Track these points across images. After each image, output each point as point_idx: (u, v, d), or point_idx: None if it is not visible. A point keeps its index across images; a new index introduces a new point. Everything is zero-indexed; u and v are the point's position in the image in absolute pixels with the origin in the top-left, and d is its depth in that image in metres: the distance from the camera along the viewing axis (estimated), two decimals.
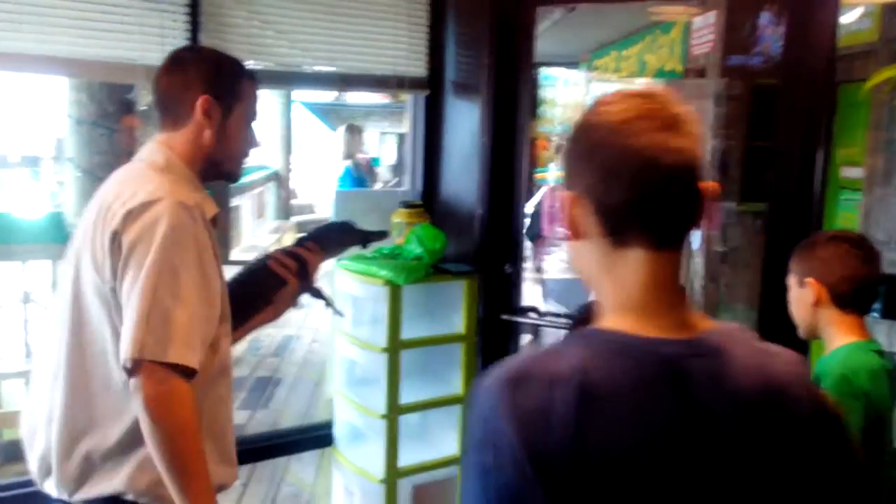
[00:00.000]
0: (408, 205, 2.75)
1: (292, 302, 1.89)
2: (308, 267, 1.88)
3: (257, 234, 11.02)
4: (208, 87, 1.57)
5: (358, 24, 2.64)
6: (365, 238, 2.08)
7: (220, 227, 7.58)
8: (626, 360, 0.87)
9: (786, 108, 2.39)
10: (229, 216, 7.51)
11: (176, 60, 1.61)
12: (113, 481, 1.46)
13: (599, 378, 0.85)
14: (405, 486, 2.60)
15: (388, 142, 14.25)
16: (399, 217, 2.73)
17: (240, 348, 6.09)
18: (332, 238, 1.99)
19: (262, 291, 1.81)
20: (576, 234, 0.93)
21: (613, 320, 0.92)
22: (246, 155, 1.68)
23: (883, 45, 3.65)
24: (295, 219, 12.28)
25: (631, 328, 0.90)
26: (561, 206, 0.93)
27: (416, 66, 2.78)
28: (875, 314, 3.00)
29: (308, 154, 15.32)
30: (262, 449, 2.84)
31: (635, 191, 0.88)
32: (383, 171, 12.70)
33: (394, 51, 2.72)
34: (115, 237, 1.41)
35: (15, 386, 4.07)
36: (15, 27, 2.03)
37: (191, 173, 1.58)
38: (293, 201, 13.49)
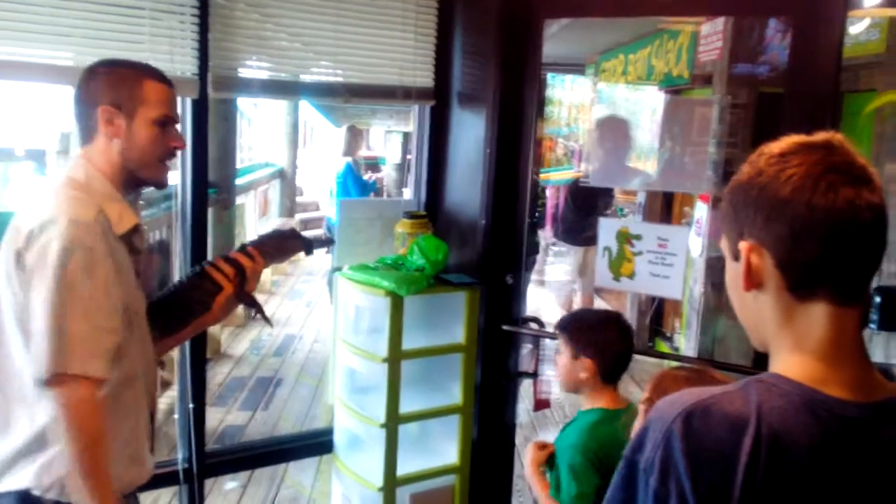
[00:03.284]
0: (411, 215, 2.76)
1: (230, 308, 1.91)
2: (246, 273, 1.90)
3: (261, 233, 10.95)
4: (106, 96, 1.61)
5: (366, 33, 2.63)
6: (308, 246, 2.09)
7: (226, 225, 7.55)
8: (809, 416, 0.84)
9: (791, 116, 2.38)
10: (234, 214, 7.51)
11: (84, 76, 1.65)
12: (22, 478, 1.55)
13: (782, 429, 0.83)
14: (403, 495, 2.62)
15: (392, 140, 14.22)
16: (402, 227, 2.74)
17: (241, 348, 6.11)
18: (273, 245, 2.00)
19: (200, 296, 1.83)
20: (753, 284, 0.90)
21: (793, 370, 0.88)
22: (165, 158, 1.68)
23: (890, 56, 3.63)
24: (299, 216, 12.25)
25: (812, 381, 0.86)
26: (744, 257, 0.89)
27: (423, 77, 2.78)
28: (872, 326, 2.99)
29: (314, 151, 15.31)
30: (262, 455, 2.86)
31: (828, 248, 0.85)
32: (388, 170, 12.69)
33: (401, 61, 2.72)
34: (19, 256, 1.50)
35: None
36: (21, 35, 2.03)
37: (110, 185, 1.63)
38: (298, 198, 13.47)
